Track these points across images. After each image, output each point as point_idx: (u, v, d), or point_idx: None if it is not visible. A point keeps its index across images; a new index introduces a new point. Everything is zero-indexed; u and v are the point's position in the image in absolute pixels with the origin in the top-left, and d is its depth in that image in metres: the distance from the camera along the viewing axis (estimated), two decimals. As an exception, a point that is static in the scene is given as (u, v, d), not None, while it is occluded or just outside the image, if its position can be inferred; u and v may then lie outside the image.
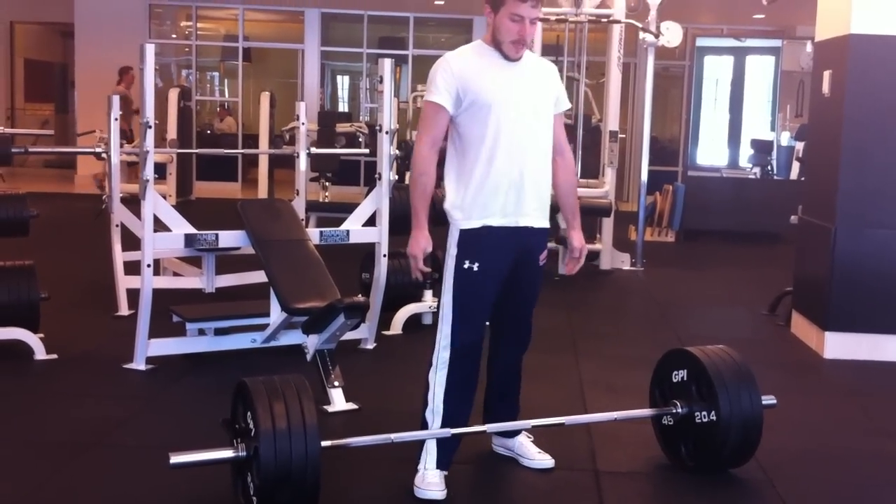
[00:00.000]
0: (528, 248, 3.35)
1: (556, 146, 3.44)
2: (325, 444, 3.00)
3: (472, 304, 3.29)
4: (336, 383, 4.22)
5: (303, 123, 6.88)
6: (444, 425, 3.28)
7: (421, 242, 3.25)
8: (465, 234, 3.27)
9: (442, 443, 3.29)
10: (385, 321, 5.47)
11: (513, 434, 3.58)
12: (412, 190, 3.30)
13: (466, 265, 3.25)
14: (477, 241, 3.26)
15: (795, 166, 11.28)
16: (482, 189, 3.25)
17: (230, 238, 4.95)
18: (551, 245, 3.37)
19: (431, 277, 3.35)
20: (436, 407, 3.30)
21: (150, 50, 4.50)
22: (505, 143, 3.24)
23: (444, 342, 3.29)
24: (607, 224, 8.26)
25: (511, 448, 3.59)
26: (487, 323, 3.49)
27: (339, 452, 3.31)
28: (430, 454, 3.29)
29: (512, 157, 3.25)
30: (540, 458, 3.53)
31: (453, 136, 3.32)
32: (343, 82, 17.87)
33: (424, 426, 3.32)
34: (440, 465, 3.29)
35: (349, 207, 5.41)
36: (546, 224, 3.40)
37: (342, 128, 11.48)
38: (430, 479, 3.26)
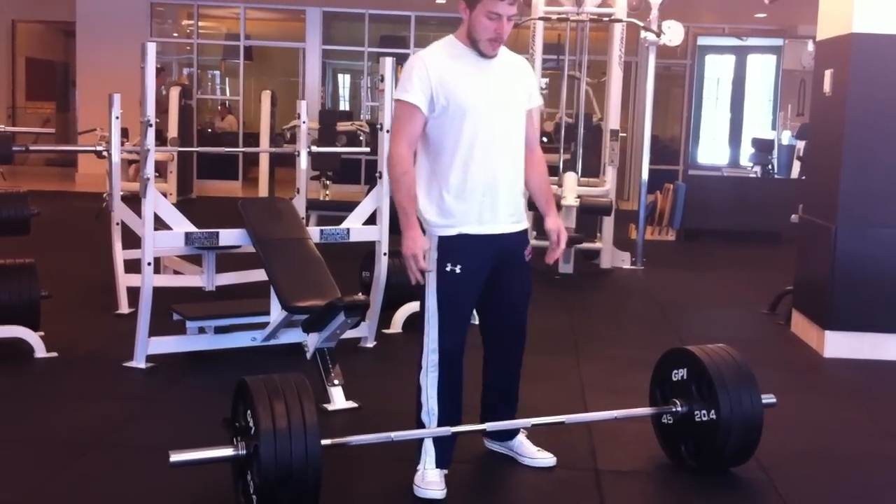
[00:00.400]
0: (507, 249, 3.33)
1: (528, 142, 3.40)
2: (325, 442, 3.00)
3: (456, 305, 3.28)
4: (336, 382, 4.22)
5: (304, 122, 6.88)
6: (440, 425, 3.28)
7: (417, 241, 3.18)
8: (443, 239, 3.25)
9: (440, 442, 3.29)
10: (385, 320, 5.47)
11: (511, 435, 3.56)
12: (396, 191, 3.23)
13: (449, 268, 3.23)
14: (456, 245, 3.24)
15: (796, 165, 11.28)
16: (458, 196, 3.22)
17: (230, 236, 4.95)
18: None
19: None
20: (430, 408, 3.29)
21: (151, 48, 4.50)
22: (480, 149, 3.21)
23: (431, 345, 3.27)
24: (608, 223, 8.26)
25: (511, 448, 3.58)
26: (478, 323, 3.50)
27: (340, 451, 3.31)
28: (428, 454, 3.29)
29: (487, 163, 3.23)
30: (540, 457, 3.53)
31: (424, 139, 3.27)
32: (344, 81, 17.86)
33: (421, 428, 3.32)
34: (440, 465, 3.29)
35: (350, 206, 5.42)
36: (523, 226, 3.39)
37: (343, 126, 11.48)
38: (429, 478, 3.26)
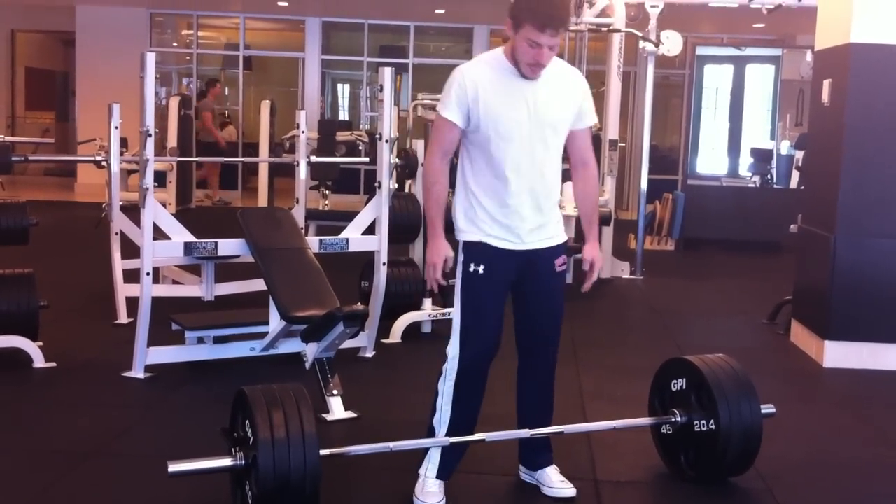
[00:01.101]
0: (535, 261, 3.29)
1: (580, 158, 3.37)
2: (323, 452, 3.00)
3: (480, 307, 3.24)
4: (335, 392, 4.21)
5: (303, 132, 6.89)
6: (449, 434, 3.27)
7: (441, 250, 3.21)
8: (468, 243, 3.27)
9: (447, 452, 3.27)
10: (384, 329, 5.47)
11: (541, 465, 3.48)
12: (425, 200, 3.31)
13: (472, 268, 3.24)
14: (480, 249, 3.25)
15: (795, 175, 11.28)
16: (487, 210, 3.22)
17: (230, 246, 4.96)
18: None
19: (447, 285, 3.31)
20: (443, 416, 3.28)
21: (150, 58, 4.50)
22: (511, 168, 3.18)
23: (453, 352, 3.26)
24: (607, 233, 8.26)
25: (538, 478, 3.48)
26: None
27: (338, 461, 3.30)
28: (431, 462, 3.28)
29: (518, 182, 3.19)
30: (560, 486, 3.42)
31: (464, 149, 3.27)
32: (343, 91, 17.87)
33: (431, 433, 3.31)
34: (440, 475, 3.28)
35: (349, 216, 5.42)
36: (556, 241, 3.33)
37: (342, 136, 11.48)
38: (429, 488, 3.25)
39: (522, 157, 3.19)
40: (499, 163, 3.19)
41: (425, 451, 3.31)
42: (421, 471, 3.30)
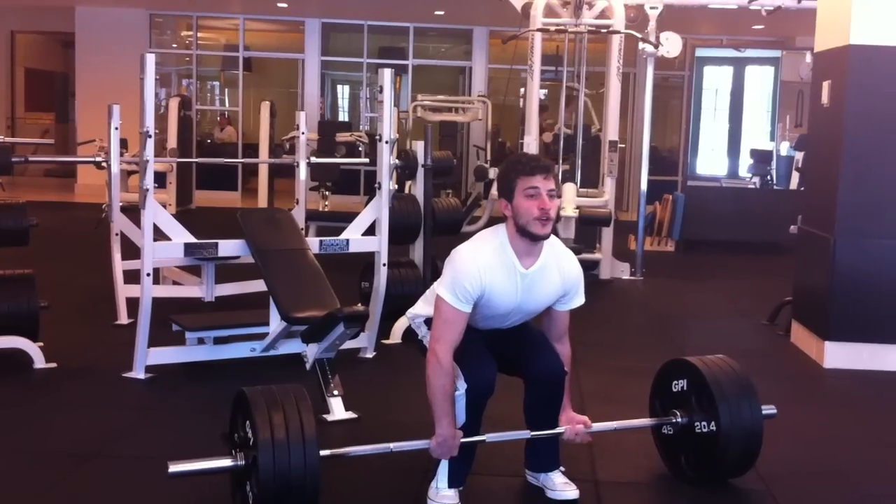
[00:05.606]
0: None
1: (557, 335, 3.41)
2: (324, 453, 3.00)
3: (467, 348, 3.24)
4: (335, 392, 4.21)
5: (303, 133, 6.89)
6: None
7: (453, 430, 3.16)
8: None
9: (454, 460, 3.25)
10: (385, 330, 5.47)
11: (546, 468, 3.48)
12: (433, 394, 3.12)
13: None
14: None
15: (795, 176, 11.29)
16: None
17: (230, 247, 4.96)
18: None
19: None
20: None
21: (150, 60, 4.51)
22: (485, 328, 3.35)
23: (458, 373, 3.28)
24: (607, 233, 8.27)
25: (542, 481, 3.47)
26: None
27: (339, 461, 3.30)
28: (442, 472, 3.27)
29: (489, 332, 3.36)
30: (563, 489, 3.41)
31: None
32: (343, 92, 17.89)
33: None
34: (453, 484, 3.27)
35: (349, 217, 5.42)
36: None
37: (342, 137, 11.48)
38: (443, 492, 3.25)
39: (503, 325, 3.37)
40: (481, 326, 3.33)
41: (437, 464, 3.29)
42: (433, 483, 3.29)
